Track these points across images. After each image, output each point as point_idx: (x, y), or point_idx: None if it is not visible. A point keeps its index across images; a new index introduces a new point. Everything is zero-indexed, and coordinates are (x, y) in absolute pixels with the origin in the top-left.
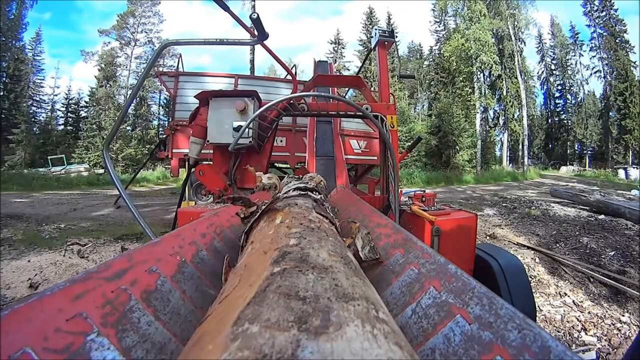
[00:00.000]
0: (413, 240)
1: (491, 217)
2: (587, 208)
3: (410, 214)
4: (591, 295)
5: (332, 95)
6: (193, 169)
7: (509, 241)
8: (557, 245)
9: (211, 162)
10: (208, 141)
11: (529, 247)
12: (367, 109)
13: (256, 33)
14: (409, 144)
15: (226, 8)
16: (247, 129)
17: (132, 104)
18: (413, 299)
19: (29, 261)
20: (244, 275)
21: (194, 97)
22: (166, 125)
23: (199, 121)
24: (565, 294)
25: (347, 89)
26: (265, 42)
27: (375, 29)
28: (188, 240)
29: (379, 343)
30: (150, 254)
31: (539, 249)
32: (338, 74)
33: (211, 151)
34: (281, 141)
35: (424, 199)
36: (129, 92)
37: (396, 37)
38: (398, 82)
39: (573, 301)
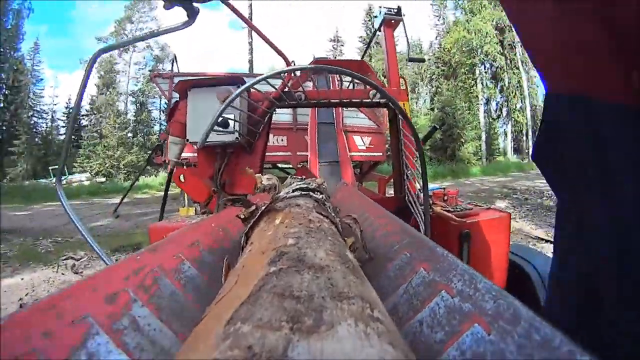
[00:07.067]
0: (408, 229)
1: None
2: None
3: (433, 217)
4: None
5: (336, 68)
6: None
7: (525, 234)
8: None
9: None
10: (188, 140)
11: (547, 241)
12: (374, 95)
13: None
14: (422, 135)
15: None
16: (234, 123)
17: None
18: (405, 280)
19: (22, 279)
20: (241, 276)
21: (173, 90)
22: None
23: (177, 117)
24: None
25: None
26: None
27: (380, 7)
28: (171, 254)
29: (371, 342)
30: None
31: None
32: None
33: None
34: (282, 140)
35: (445, 197)
36: (129, 99)
37: (403, 15)
38: (407, 65)
39: None
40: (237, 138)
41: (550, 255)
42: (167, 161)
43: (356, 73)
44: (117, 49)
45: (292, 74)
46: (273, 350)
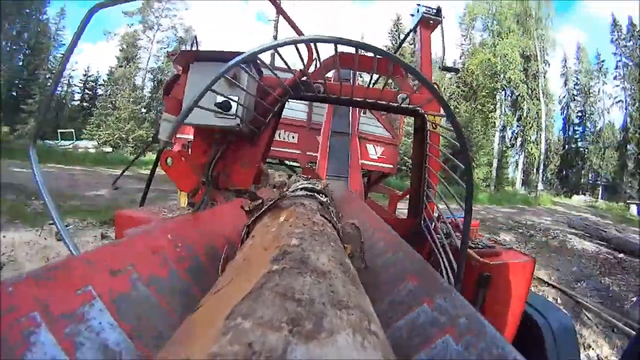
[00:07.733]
0: (403, 243)
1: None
2: (605, 244)
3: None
4: (616, 349)
5: (366, 44)
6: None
7: None
8: (578, 284)
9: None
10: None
11: (549, 284)
12: (403, 100)
13: None
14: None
15: None
16: (238, 107)
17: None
18: (393, 289)
19: (4, 236)
20: (242, 269)
21: (172, 61)
22: None
23: (175, 92)
24: (590, 346)
25: (376, 76)
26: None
27: (418, 5)
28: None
29: (367, 354)
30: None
31: (562, 289)
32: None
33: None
34: (293, 137)
35: None
36: (147, 75)
37: (443, 17)
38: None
39: (597, 356)
40: (238, 125)
41: (536, 291)
42: (172, 140)
43: (396, 56)
44: (116, 4)
45: (314, 61)
46: (273, 351)
